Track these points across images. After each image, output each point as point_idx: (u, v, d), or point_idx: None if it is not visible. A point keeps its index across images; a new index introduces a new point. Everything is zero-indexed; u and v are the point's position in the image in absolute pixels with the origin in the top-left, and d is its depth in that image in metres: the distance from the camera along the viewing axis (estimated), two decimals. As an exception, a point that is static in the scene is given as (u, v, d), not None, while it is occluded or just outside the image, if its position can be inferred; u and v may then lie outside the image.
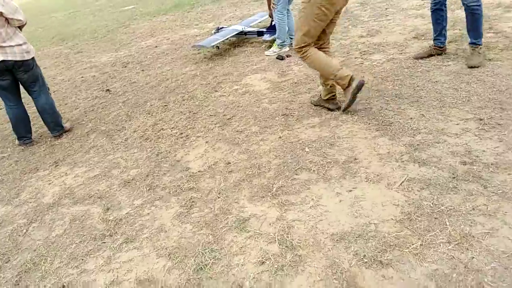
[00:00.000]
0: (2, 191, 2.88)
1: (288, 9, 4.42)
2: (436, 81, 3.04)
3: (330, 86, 2.90)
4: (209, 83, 4.08)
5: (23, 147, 3.51)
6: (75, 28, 10.07)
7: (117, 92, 4.50)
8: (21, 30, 3.18)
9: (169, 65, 5.06)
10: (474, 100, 2.67)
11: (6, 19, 2.99)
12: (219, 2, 9.08)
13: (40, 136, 3.69)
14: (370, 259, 1.64)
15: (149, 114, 3.67)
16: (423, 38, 3.99)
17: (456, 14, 4.40)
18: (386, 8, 5.38)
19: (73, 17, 12.75)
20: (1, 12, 2.92)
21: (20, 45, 3.09)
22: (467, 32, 3.19)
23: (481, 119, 2.44)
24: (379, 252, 1.66)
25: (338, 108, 2.92)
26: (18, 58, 3.09)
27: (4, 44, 3.00)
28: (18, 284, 1.94)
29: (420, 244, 1.67)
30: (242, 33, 5.24)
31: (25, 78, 3.23)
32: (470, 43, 3.22)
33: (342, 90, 2.78)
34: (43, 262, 2.06)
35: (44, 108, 3.40)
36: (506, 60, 3.13)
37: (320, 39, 2.81)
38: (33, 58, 3.23)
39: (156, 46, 6.23)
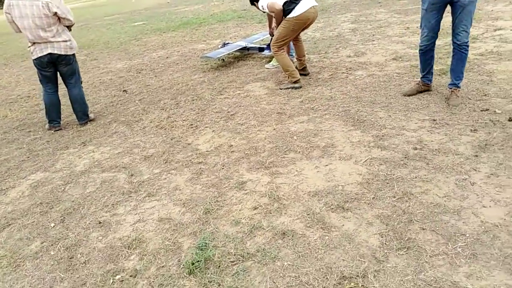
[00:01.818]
0: (39, 162, 3.43)
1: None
2: (405, 92, 3.68)
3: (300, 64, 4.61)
4: (215, 88, 4.71)
5: (52, 131, 4.07)
6: (89, 39, 10.79)
7: (134, 92, 5.11)
8: (70, 30, 3.82)
9: (179, 73, 5.71)
10: (432, 106, 3.31)
11: (59, 18, 3.64)
12: (224, 23, 9.87)
13: (67, 124, 4.26)
14: (335, 206, 2.22)
15: (163, 109, 4.28)
16: (400, 59, 4.68)
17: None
18: (373, 35, 6.11)
19: (86, 29, 13.50)
20: (55, 12, 3.56)
21: (66, 41, 3.73)
22: (450, 72, 3.35)
23: (434, 120, 3.07)
24: (342, 202, 2.24)
25: (306, 75, 4.60)
26: (62, 52, 3.72)
27: (53, 39, 3.64)
28: (63, 221, 2.48)
29: (373, 198, 2.25)
30: (245, 49, 5.93)
31: (65, 70, 3.86)
32: (450, 84, 3.35)
33: (289, 78, 4.30)
34: (81, 208, 2.61)
35: (76, 98, 4.00)
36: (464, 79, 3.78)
37: (296, 37, 4.42)
38: (73, 54, 3.86)
39: (167, 57, 6.91)
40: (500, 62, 4.05)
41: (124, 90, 5.24)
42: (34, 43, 3.67)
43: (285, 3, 3.95)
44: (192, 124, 3.74)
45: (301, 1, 3.95)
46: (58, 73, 3.93)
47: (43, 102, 4.05)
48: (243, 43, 6.00)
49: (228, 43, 6.27)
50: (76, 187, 2.91)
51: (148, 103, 4.56)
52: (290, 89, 4.24)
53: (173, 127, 3.76)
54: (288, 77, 4.30)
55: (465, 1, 3.04)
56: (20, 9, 3.51)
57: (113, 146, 3.53)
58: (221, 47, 6.13)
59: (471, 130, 2.83)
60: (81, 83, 4.14)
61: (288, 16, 3.98)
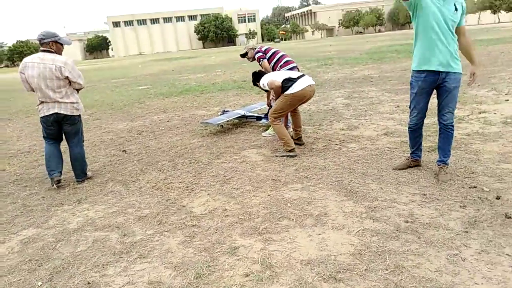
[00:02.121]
0: (32, 217, 3.41)
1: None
2: (396, 166, 3.82)
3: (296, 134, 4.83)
4: (213, 152, 4.85)
5: (54, 185, 4.03)
6: (93, 99, 11.21)
7: (133, 152, 5.23)
8: (78, 92, 4.04)
9: (179, 136, 5.89)
10: (422, 181, 3.42)
11: (70, 81, 3.87)
12: (225, 91, 10.37)
13: (65, 180, 4.29)
14: (327, 276, 2.21)
15: (160, 171, 4.36)
16: (391, 135, 4.90)
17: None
18: (366, 110, 6.45)
19: (91, 91, 14.05)
20: (67, 76, 3.80)
21: (73, 103, 3.93)
22: (438, 150, 3.53)
23: (424, 194, 3.16)
24: (334, 273, 2.24)
25: (301, 144, 4.77)
26: (68, 113, 3.90)
27: (61, 100, 3.84)
28: (51, 280, 2.43)
29: (365, 269, 2.25)
30: (243, 117, 6.20)
31: (69, 130, 4.00)
32: (438, 161, 3.49)
33: (284, 147, 4.47)
34: (71, 267, 2.56)
35: (77, 157, 4.10)
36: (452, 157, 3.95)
37: (294, 110, 4.68)
38: (79, 115, 4.04)
39: (168, 120, 7.16)
40: (485, 142, 4.27)
41: (123, 150, 5.36)
42: (42, 102, 3.86)
43: (283, 80, 4.25)
44: (188, 187, 3.80)
45: (299, 80, 4.26)
46: (61, 132, 4.07)
47: (44, 153, 4.10)
48: (242, 112, 6.28)
49: (228, 110, 6.56)
50: (68, 245, 2.88)
51: (146, 164, 4.66)
52: (285, 157, 4.37)
53: (169, 188, 3.81)
54: (284, 146, 4.46)
55: (451, 87, 3.30)
56: (33, 70, 3.75)
57: (108, 205, 3.54)
58: (220, 114, 6.41)
59: (460, 206, 2.92)
60: (83, 141, 4.27)
61: (286, 92, 4.26)
